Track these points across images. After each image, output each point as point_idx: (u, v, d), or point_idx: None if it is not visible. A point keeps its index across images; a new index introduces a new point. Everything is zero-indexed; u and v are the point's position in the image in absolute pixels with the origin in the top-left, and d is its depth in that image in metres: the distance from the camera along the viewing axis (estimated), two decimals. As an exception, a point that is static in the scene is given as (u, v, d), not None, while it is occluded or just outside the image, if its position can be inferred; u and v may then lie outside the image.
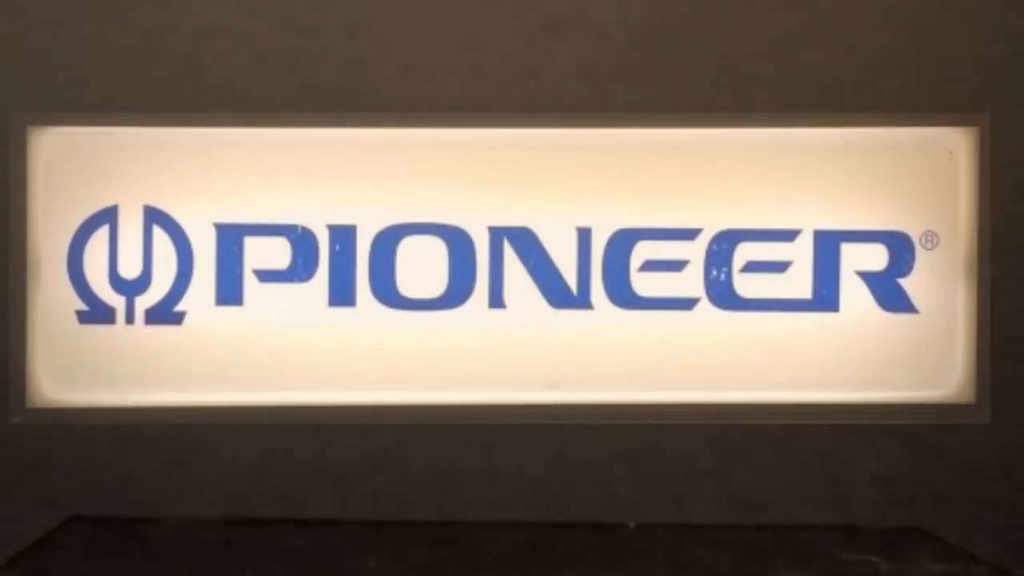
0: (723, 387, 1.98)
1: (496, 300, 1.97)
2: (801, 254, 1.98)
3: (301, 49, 1.95)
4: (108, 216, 1.95)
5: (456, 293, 1.97)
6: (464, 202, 1.97)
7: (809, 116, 1.98)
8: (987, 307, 1.98)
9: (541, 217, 1.97)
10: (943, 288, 1.99)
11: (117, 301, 1.95)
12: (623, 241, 1.97)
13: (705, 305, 1.98)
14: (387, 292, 1.97)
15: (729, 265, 1.98)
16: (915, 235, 1.99)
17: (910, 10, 1.98)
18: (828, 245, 1.98)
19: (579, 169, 1.98)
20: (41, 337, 1.94)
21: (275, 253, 1.96)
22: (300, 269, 1.96)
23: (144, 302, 1.95)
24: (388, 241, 1.96)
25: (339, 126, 1.96)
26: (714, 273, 1.98)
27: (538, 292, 1.97)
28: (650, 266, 1.97)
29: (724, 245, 1.98)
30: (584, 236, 1.97)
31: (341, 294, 1.96)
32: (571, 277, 1.97)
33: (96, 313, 1.95)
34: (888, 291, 1.98)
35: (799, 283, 1.98)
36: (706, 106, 1.97)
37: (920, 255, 1.98)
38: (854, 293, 1.98)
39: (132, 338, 1.95)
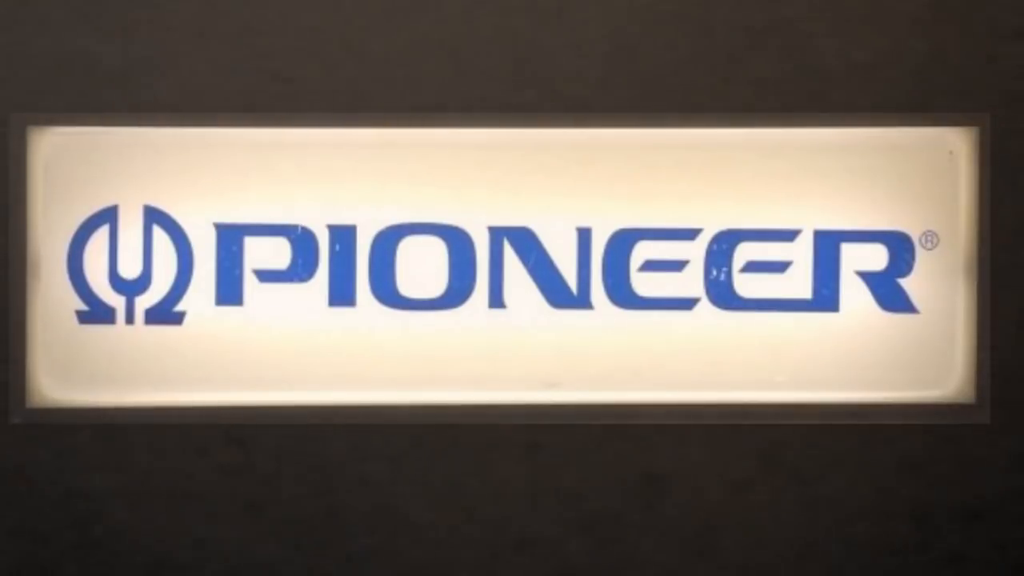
0: (723, 387, 1.98)
1: (496, 300, 1.97)
2: (801, 254, 1.98)
3: (301, 49, 1.95)
4: (108, 216, 1.94)
5: (456, 293, 1.97)
6: (464, 202, 1.97)
7: (809, 116, 1.98)
8: (987, 307, 1.98)
9: (541, 217, 1.97)
10: (943, 288, 1.99)
11: (117, 301, 1.95)
12: (623, 241, 1.97)
13: (705, 305, 1.98)
14: (387, 292, 1.96)
15: (729, 265, 1.98)
16: (915, 235, 1.98)
17: (910, 10, 1.98)
18: (828, 245, 1.98)
19: (579, 169, 1.98)
20: (41, 337, 1.94)
21: (275, 253, 1.96)
22: (300, 269, 1.96)
23: (144, 302, 1.95)
24: (388, 241, 1.96)
25: (339, 126, 1.96)
26: (714, 273, 1.98)
27: (538, 292, 1.97)
28: (650, 266, 1.97)
29: (724, 245, 1.98)
30: (584, 236, 1.97)
31: (341, 294, 1.96)
32: (571, 277, 1.97)
33: (96, 313, 1.94)
34: (888, 291, 1.98)
35: (799, 283, 1.98)
36: (706, 106, 1.97)
37: (920, 255, 1.98)
38: (854, 293, 1.98)
39: (132, 338, 1.95)
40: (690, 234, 1.98)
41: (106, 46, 1.94)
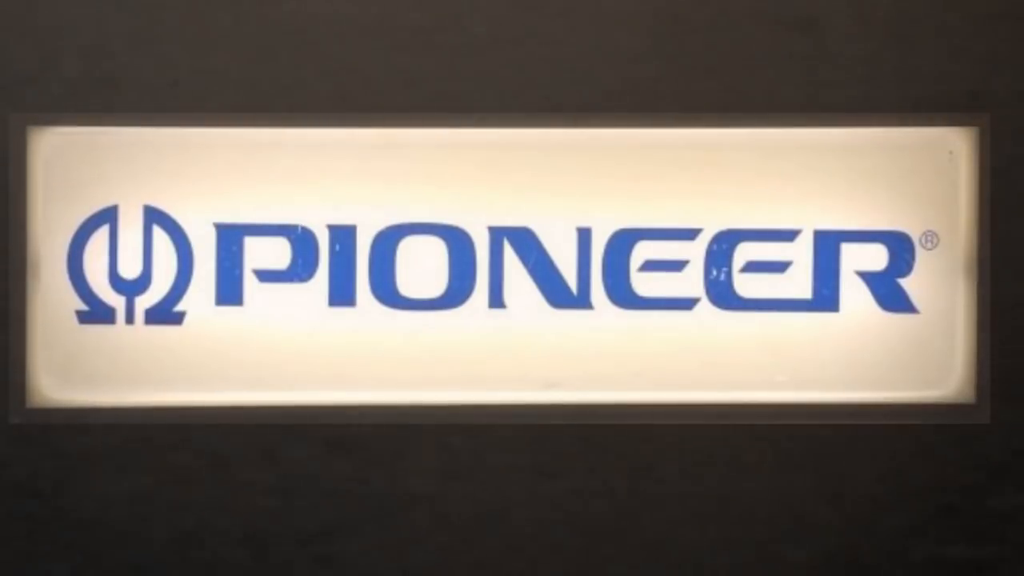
0: (723, 387, 1.98)
1: (496, 300, 1.97)
2: (801, 254, 1.98)
3: (301, 49, 1.95)
4: (108, 216, 1.94)
5: (456, 293, 1.97)
6: (464, 202, 1.97)
7: (809, 116, 1.98)
8: (987, 307, 1.98)
9: (541, 217, 1.97)
10: (943, 288, 1.99)
11: (117, 301, 1.95)
12: (623, 241, 1.97)
13: (705, 305, 1.98)
14: (387, 292, 1.96)
15: (729, 265, 1.98)
16: (915, 235, 1.98)
17: (910, 10, 1.98)
18: (828, 245, 1.98)
19: (579, 169, 1.98)
20: (41, 337, 1.94)
21: (275, 253, 1.96)
22: (300, 269, 1.96)
23: (144, 302, 1.95)
24: (388, 241, 1.96)
25: (339, 126, 1.96)
26: (714, 273, 1.98)
27: (538, 292, 1.97)
28: (650, 266, 1.97)
29: (724, 245, 1.98)
30: (584, 236, 1.97)
31: (341, 294, 1.96)
32: (571, 277, 1.97)
33: (96, 313, 1.94)
34: (888, 291, 1.98)
35: (799, 283, 1.98)
36: (706, 106, 1.97)
37: (920, 255, 1.98)
38: (854, 293, 1.98)
39: (132, 338, 1.95)
40: (690, 234, 1.98)
41: (106, 46, 1.94)
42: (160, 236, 1.95)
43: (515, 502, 1.98)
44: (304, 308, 1.96)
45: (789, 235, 1.98)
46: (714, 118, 1.97)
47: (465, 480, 1.98)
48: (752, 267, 1.98)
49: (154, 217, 1.95)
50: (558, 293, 1.97)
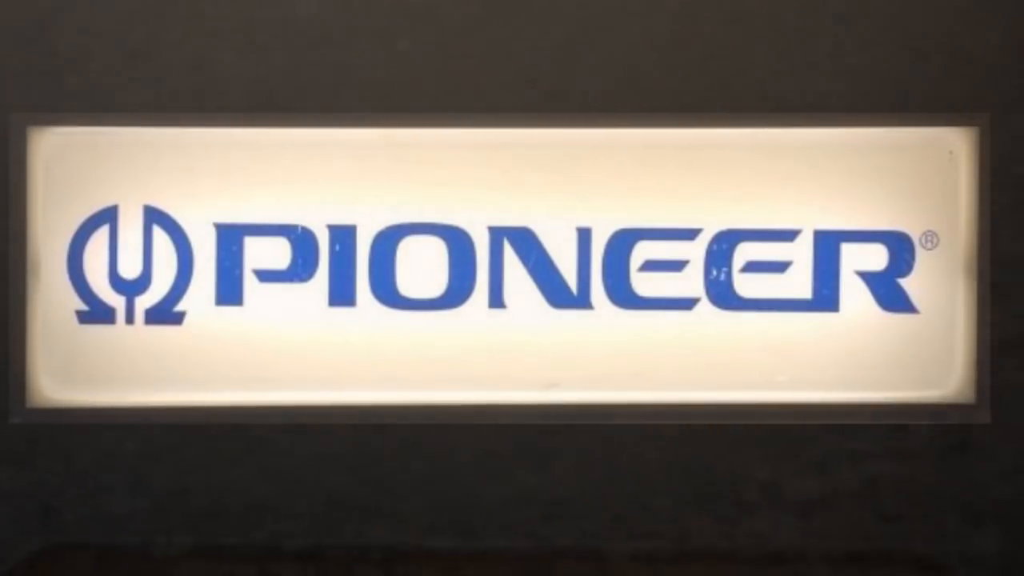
0: (723, 387, 1.98)
1: (496, 300, 1.97)
2: (801, 254, 1.98)
3: (301, 49, 1.95)
4: (108, 216, 1.95)
5: (456, 293, 1.97)
6: (464, 202, 1.97)
7: (810, 116, 1.98)
8: (987, 307, 1.98)
9: (541, 217, 1.97)
10: (943, 288, 1.99)
11: (117, 301, 1.95)
12: (623, 241, 1.97)
13: (705, 305, 1.98)
14: (387, 292, 1.97)
15: (729, 265, 1.98)
16: (915, 235, 1.98)
17: (909, 10, 1.98)
18: (828, 245, 1.98)
19: (579, 169, 1.98)
20: (41, 337, 1.94)
21: (275, 253, 1.96)
22: (300, 269, 1.96)
23: (144, 302, 1.95)
24: (388, 241, 1.96)
25: (339, 126, 1.96)
26: (714, 273, 1.98)
27: (538, 292, 1.97)
28: (650, 266, 1.97)
29: (724, 245, 1.98)
30: (584, 236, 1.97)
31: (341, 294, 1.96)
32: (571, 277, 1.97)
33: (96, 313, 1.95)
34: (888, 291, 1.98)
35: (799, 283, 1.98)
36: (706, 106, 1.97)
37: (920, 255, 1.98)
38: (854, 293, 1.98)
39: (132, 338, 1.95)
40: (690, 234, 1.98)
41: (106, 46, 1.94)
42: (160, 236, 1.95)
43: (515, 501, 1.98)
44: (304, 308, 1.96)
45: (789, 235, 1.98)
46: (714, 118, 1.97)
47: (464, 479, 1.98)
48: (752, 267, 1.98)
49: (154, 217, 1.95)
50: (558, 293, 1.97)
